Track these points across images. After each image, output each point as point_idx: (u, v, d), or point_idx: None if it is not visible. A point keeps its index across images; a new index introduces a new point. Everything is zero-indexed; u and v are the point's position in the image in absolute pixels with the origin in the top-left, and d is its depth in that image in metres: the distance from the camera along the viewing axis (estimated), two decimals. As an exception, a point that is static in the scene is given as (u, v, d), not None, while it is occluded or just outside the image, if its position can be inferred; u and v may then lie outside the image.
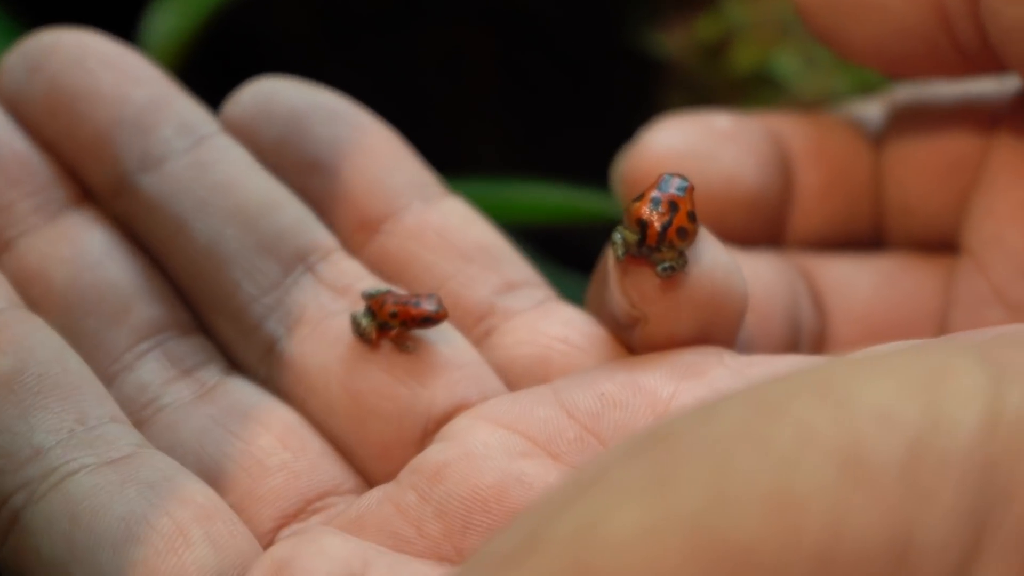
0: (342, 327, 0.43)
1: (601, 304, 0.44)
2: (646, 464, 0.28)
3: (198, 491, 0.39)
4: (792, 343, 0.47)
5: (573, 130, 0.70)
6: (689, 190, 0.41)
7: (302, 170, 0.45)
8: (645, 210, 0.40)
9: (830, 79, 0.63)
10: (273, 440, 0.42)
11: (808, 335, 0.48)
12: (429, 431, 0.42)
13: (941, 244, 0.49)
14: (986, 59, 0.46)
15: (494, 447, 0.40)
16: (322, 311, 0.43)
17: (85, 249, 0.44)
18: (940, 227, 0.49)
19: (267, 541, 0.40)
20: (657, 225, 0.40)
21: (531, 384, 0.42)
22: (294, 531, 0.41)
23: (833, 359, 0.31)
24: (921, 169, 0.49)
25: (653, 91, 0.67)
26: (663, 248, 0.40)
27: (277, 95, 0.46)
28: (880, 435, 0.27)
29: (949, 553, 0.26)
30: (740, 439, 0.27)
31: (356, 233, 0.45)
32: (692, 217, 0.40)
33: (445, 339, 0.43)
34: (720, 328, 0.41)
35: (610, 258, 0.41)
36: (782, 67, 0.64)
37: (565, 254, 0.61)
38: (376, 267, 0.45)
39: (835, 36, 0.48)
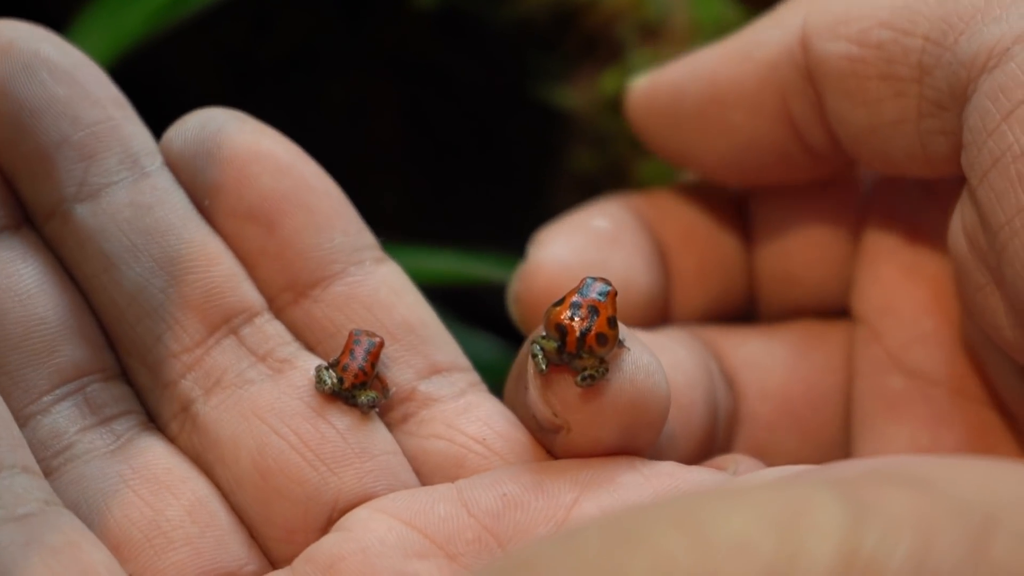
0: (257, 397, 0.42)
1: (520, 403, 0.43)
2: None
3: (100, 562, 0.37)
4: (711, 428, 0.47)
5: (477, 182, 0.70)
6: (611, 295, 0.41)
7: (238, 217, 0.44)
8: (565, 316, 0.40)
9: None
10: (182, 512, 0.41)
11: (723, 416, 0.48)
12: (334, 519, 0.41)
13: (828, 310, 0.50)
14: (838, 159, 0.47)
15: (390, 544, 0.39)
16: (240, 378, 0.43)
17: (17, 279, 0.42)
18: (825, 294, 0.50)
19: None
20: (576, 331, 0.40)
21: (442, 481, 0.42)
22: None
23: (697, 493, 0.32)
24: (799, 240, 0.50)
25: (558, 144, 0.67)
26: (583, 355, 0.40)
27: (222, 132, 0.44)
28: (736, 566, 0.27)
29: None
30: (598, 568, 0.27)
31: (283, 292, 0.44)
32: (612, 323, 0.40)
33: (365, 423, 0.42)
34: (643, 430, 0.41)
35: (531, 368, 0.41)
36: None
37: (464, 309, 0.61)
38: (299, 332, 0.44)
39: (682, 156, 0.49)
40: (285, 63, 0.70)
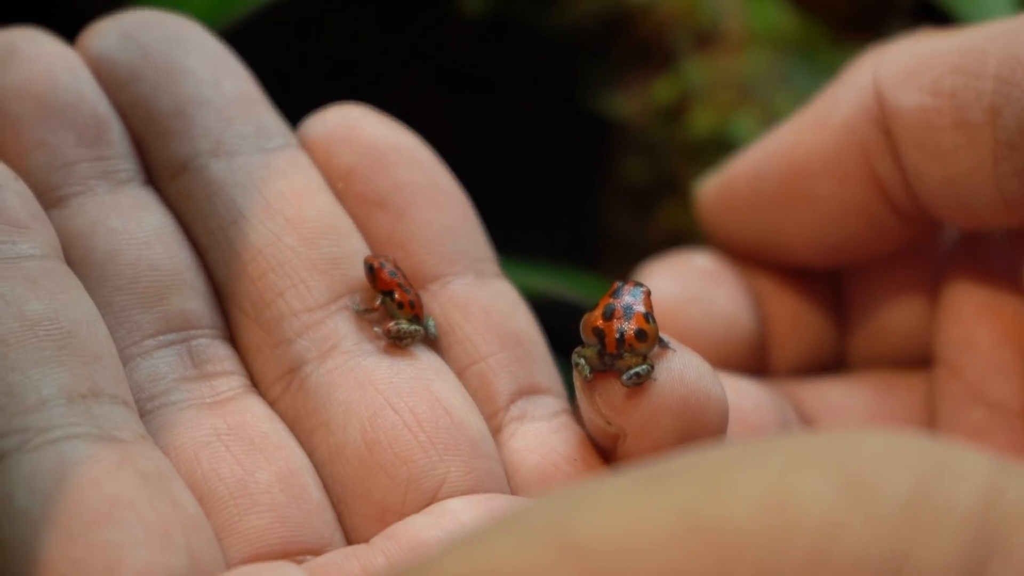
0: (375, 369, 0.42)
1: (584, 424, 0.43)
2: (639, 472, 0.28)
3: (189, 501, 0.37)
4: None
5: (525, 192, 0.69)
6: (645, 294, 0.41)
7: (369, 203, 0.44)
8: (600, 319, 0.40)
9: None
10: (272, 477, 0.40)
11: None
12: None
13: (912, 362, 0.49)
14: (924, 219, 0.47)
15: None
16: (359, 348, 0.42)
17: (136, 225, 0.43)
18: (909, 346, 0.49)
19: None
20: (615, 330, 0.40)
21: (528, 496, 0.41)
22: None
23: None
24: (887, 291, 0.50)
25: (608, 153, 0.66)
26: (625, 354, 0.40)
27: (362, 123, 0.45)
28: (885, 469, 0.27)
29: None
30: (738, 458, 0.28)
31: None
32: (649, 319, 0.40)
33: (474, 420, 0.42)
34: (702, 432, 0.41)
35: (577, 380, 0.41)
36: (740, 130, 0.63)
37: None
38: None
39: (767, 243, 0.49)
40: (327, 69, 0.69)
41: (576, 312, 0.57)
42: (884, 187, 0.46)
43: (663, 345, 0.40)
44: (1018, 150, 0.42)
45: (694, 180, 0.64)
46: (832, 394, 0.49)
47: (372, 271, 0.42)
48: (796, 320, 0.50)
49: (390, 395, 0.41)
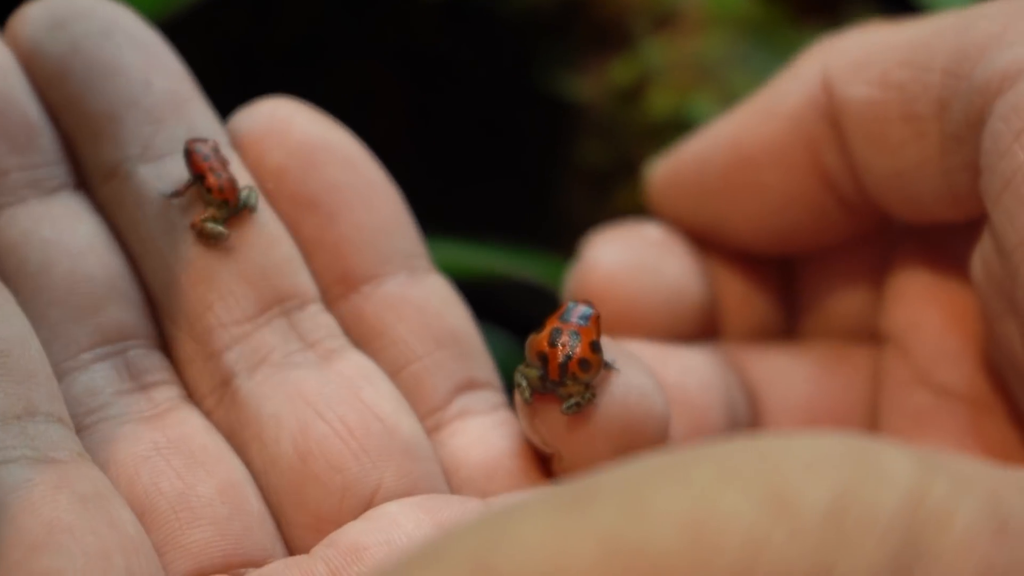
0: (304, 380, 0.42)
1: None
2: (560, 493, 0.28)
3: (129, 521, 0.37)
4: (730, 434, 0.46)
5: (484, 173, 0.69)
6: (593, 319, 0.41)
7: (299, 204, 0.44)
8: (546, 343, 0.40)
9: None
10: (213, 490, 0.40)
11: (743, 427, 0.48)
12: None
13: (859, 338, 0.49)
14: (871, 211, 0.47)
15: (417, 540, 0.39)
16: (287, 360, 0.42)
17: (69, 235, 0.42)
18: (858, 325, 0.49)
19: None
20: (559, 358, 0.40)
21: (470, 493, 0.42)
22: None
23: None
24: (837, 276, 0.50)
25: (567, 135, 0.66)
26: (567, 381, 0.39)
27: (293, 120, 0.45)
28: (806, 481, 0.27)
29: None
30: (660, 474, 0.27)
31: (335, 285, 0.44)
32: (595, 347, 0.40)
33: (407, 423, 0.42)
34: (642, 447, 0.41)
35: (517, 399, 0.41)
36: (699, 112, 0.63)
37: (474, 303, 0.60)
38: (348, 326, 0.44)
39: (714, 229, 0.49)
40: (287, 53, 0.69)
41: (534, 293, 0.58)
42: (830, 178, 0.46)
43: (607, 367, 0.40)
44: (965, 143, 0.41)
45: (651, 162, 0.64)
46: (778, 363, 0.49)
47: (187, 154, 0.42)
48: (745, 298, 0.50)
49: (320, 405, 0.41)
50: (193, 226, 0.42)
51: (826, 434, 0.29)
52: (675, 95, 0.64)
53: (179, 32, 0.62)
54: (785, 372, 0.49)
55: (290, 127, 0.44)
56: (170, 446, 0.40)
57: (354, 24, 0.70)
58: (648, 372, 0.42)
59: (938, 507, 0.27)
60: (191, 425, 0.41)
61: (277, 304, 0.43)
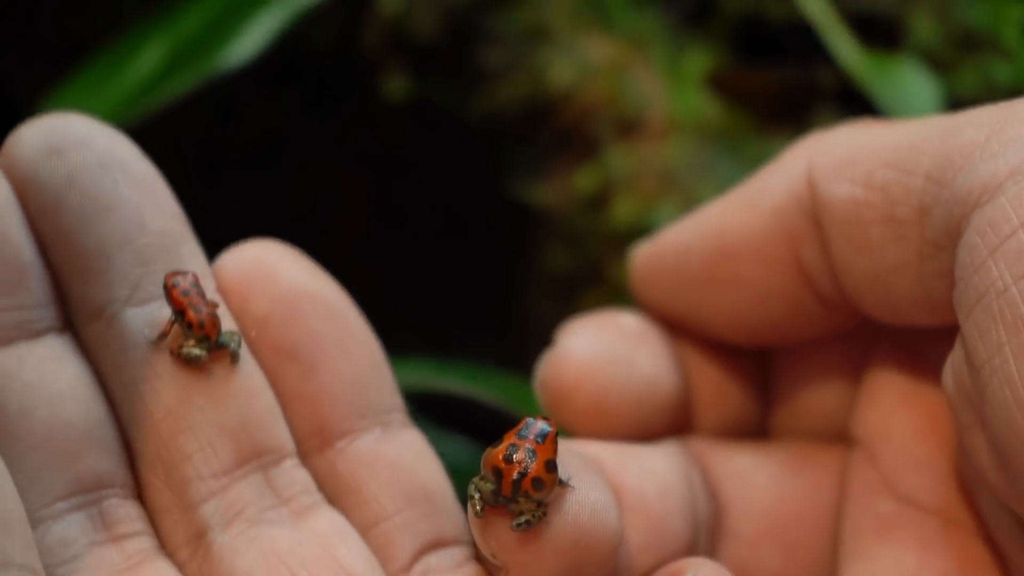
0: (278, 538, 0.41)
1: None
2: None
3: None
4: (690, 539, 0.46)
5: (449, 277, 0.69)
6: (550, 437, 0.40)
7: (281, 354, 0.44)
8: (501, 459, 0.40)
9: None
10: None
11: (704, 528, 0.47)
12: None
13: (831, 439, 0.49)
14: (848, 310, 0.47)
15: None
16: (261, 516, 0.42)
17: (51, 379, 0.41)
18: (830, 425, 0.49)
19: None
20: (513, 474, 0.39)
21: None
22: None
23: None
24: (810, 372, 0.50)
25: (532, 241, 0.66)
26: (519, 498, 0.39)
27: (280, 267, 0.44)
28: None
29: None
30: None
31: (311, 437, 0.44)
32: (550, 467, 0.40)
33: None
34: (588, 569, 0.41)
35: (470, 511, 0.41)
36: (663, 219, 0.63)
37: (436, 411, 0.60)
38: (322, 480, 0.44)
39: (692, 318, 0.49)
40: (251, 153, 0.69)
41: (493, 413, 0.57)
42: (809, 275, 0.46)
43: (562, 485, 0.40)
44: (944, 250, 0.41)
45: (617, 268, 0.64)
46: (744, 463, 0.49)
47: (166, 289, 0.42)
48: (719, 390, 0.50)
49: (293, 564, 0.41)
50: (172, 352, 0.42)
51: None
52: (639, 202, 0.64)
53: (145, 133, 0.62)
54: (750, 472, 0.49)
55: (276, 274, 0.44)
56: None
57: (319, 125, 0.70)
58: (603, 486, 0.41)
59: None
60: None
61: (255, 458, 0.43)
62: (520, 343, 0.64)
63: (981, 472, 0.42)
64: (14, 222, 0.43)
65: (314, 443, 0.44)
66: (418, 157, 0.69)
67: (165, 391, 0.42)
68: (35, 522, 0.40)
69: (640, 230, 0.64)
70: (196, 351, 0.42)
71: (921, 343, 0.48)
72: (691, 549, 0.46)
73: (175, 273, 0.42)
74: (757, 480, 0.49)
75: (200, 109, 0.67)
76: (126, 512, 0.41)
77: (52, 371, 0.42)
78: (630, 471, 0.45)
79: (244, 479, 0.42)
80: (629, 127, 0.66)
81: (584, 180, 0.66)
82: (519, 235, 0.66)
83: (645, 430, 0.48)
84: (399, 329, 0.61)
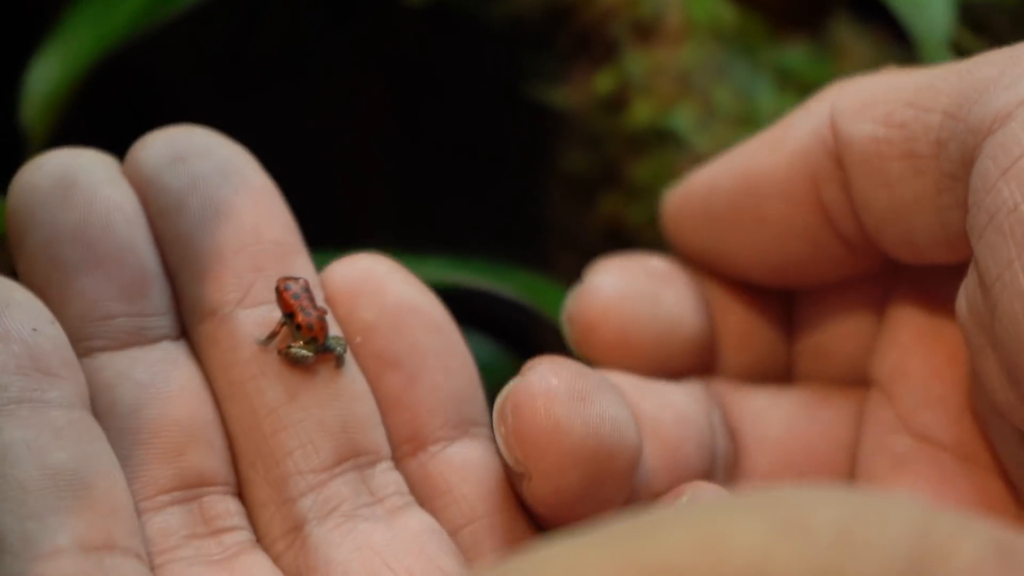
0: (372, 533, 0.43)
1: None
2: (583, 533, 0.29)
3: None
4: (706, 471, 0.48)
5: (469, 179, 0.69)
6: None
7: (384, 362, 0.45)
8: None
9: (728, 135, 0.63)
10: None
11: (723, 464, 0.49)
12: None
13: (853, 382, 0.50)
14: (870, 251, 0.48)
15: None
16: (356, 513, 0.43)
17: (162, 379, 0.43)
18: (853, 368, 0.50)
19: None
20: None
21: None
22: None
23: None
24: (833, 314, 0.50)
25: (551, 144, 0.66)
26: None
27: (388, 279, 0.46)
28: (816, 508, 0.28)
29: None
30: (674, 512, 0.29)
31: (406, 443, 0.45)
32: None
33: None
34: (608, 481, 0.42)
35: (496, 414, 0.43)
36: (680, 122, 0.64)
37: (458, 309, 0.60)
38: (413, 481, 0.45)
39: (718, 256, 0.50)
40: (272, 62, 0.70)
41: (515, 306, 0.58)
42: (831, 214, 0.47)
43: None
44: (959, 181, 0.42)
45: (634, 170, 0.65)
46: (761, 403, 0.50)
47: (278, 292, 0.44)
48: (745, 333, 0.51)
49: (387, 556, 0.42)
50: (280, 351, 0.44)
51: (824, 486, 0.30)
52: (657, 105, 0.65)
53: (165, 41, 0.62)
54: (768, 411, 0.50)
55: (384, 285, 0.46)
56: None
57: (338, 33, 0.70)
58: (623, 404, 0.43)
59: (944, 536, 0.27)
60: (259, 568, 0.42)
61: (352, 457, 0.44)
62: (539, 244, 0.65)
63: (993, 396, 0.42)
64: (140, 232, 0.44)
65: (408, 448, 0.45)
66: (438, 62, 0.69)
67: (270, 390, 0.44)
68: (138, 513, 0.41)
69: (657, 132, 0.64)
70: (304, 352, 0.44)
71: (940, 284, 0.49)
72: (706, 479, 0.47)
73: (287, 278, 0.44)
74: (774, 417, 0.50)
75: (221, 18, 0.68)
76: (225, 507, 0.43)
77: (164, 372, 0.43)
78: (649, 400, 0.47)
79: (341, 476, 0.44)
80: (647, 31, 0.66)
81: (603, 83, 0.66)
82: (538, 138, 0.67)
83: (668, 367, 0.49)
84: (420, 233, 0.61)
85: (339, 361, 0.44)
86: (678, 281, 0.51)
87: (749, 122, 0.63)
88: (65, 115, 0.60)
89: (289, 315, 0.44)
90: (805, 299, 0.51)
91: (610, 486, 0.42)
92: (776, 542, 0.27)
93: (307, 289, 0.44)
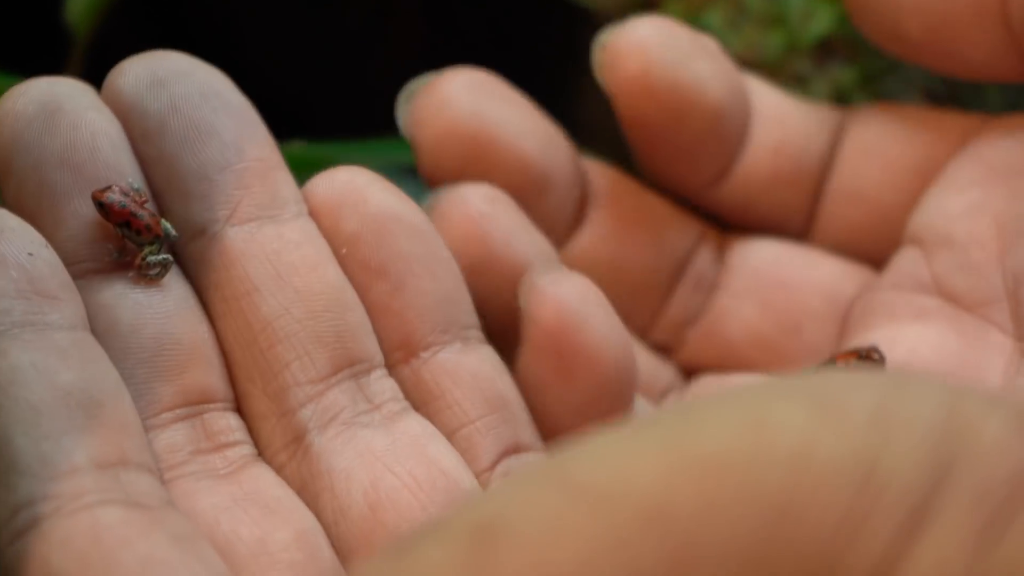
0: (372, 439, 0.44)
1: None
2: (626, 426, 0.30)
3: (218, 562, 0.39)
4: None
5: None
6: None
7: (369, 271, 0.47)
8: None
9: (758, 37, 0.63)
10: (289, 537, 0.42)
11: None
12: None
13: (874, 235, 0.51)
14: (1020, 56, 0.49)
15: None
16: (355, 420, 0.45)
17: (159, 298, 0.44)
18: (884, 219, 0.51)
19: None
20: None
21: None
22: None
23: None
24: (883, 163, 0.51)
25: (583, 45, 0.66)
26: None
27: (369, 189, 0.47)
28: (850, 393, 0.29)
29: (908, 490, 0.28)
30: (712, 400, 0.30)
31: (397, 350, 0.47)
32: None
33: (467, 479, 0.44)
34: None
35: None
36: (711, 24, 0.64)
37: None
38: (407, 388, 0.46)
39: (889, 31, 0.50)
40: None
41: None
42: (1007, 5, 0.48)
43: None
44: None
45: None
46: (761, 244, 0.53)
47: (102, 207, 0.44)
48: (777, 151, 0.53)
49: (389, 460, 0.44)
50: (136, 267, 0.44)
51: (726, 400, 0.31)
52: (688, 6, 0.65)
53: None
54: (764, 245, 0.54)
55: (366, 196, 0.47)
56: (247, 498, 0.43)
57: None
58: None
59: (972, 415, 0.29)
60: (264, 480, 0.44)
61: (348, 367, 0.45)
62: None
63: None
64: (126, 155, 0.45)
65: (400, 355, 0.47)
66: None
67: (264, 305, 0.45)
68: (144, 430, 0.42)
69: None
70: (162, 256, 0.44)
71: (1006, 149, 0.50)
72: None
73: (101, 191, 0.44)
74: (766, 255, 0.53)
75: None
76: (227, 423, 0.44)
77: (159, 292, 0.44)
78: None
79: (338, 386, 0.45)
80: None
81: (634, -14, 0.66)
82: (571, 39, 0.67)
83: (680, 129, 0.52)
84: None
85: (171, 236, 0.45)
86: (724, 64, 0.52)
87: (779, 23, 0.63)
88: (108, 15, 0.61)
89: (125, 224, 0.44)
90: (856, 143, 0.52)
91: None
92: (817, 428, 0.29)
93: (125, 193, 0.44)
